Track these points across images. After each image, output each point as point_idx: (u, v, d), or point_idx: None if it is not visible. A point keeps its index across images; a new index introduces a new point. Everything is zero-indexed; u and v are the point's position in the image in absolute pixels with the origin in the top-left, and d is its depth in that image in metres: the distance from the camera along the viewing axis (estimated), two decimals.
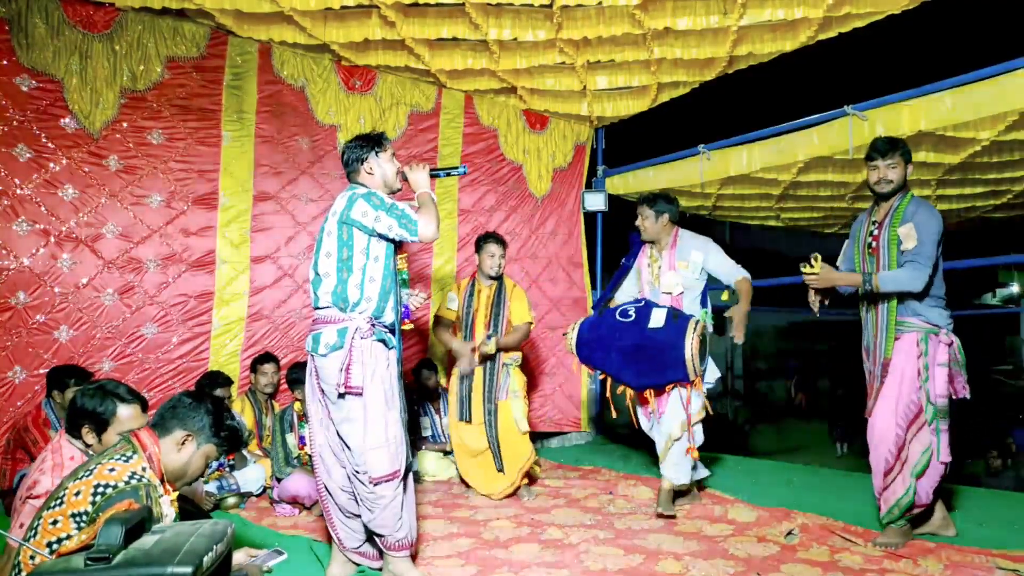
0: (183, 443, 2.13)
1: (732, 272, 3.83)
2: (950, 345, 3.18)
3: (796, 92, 6.59)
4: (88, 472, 1.92)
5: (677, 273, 3.81)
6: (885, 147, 3.16)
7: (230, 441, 2.26)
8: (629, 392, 3.92)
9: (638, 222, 3.92)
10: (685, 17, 4.33)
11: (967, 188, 5.55)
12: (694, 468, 3.85)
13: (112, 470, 1.93)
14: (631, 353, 3.63)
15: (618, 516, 3.75)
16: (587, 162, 6.43)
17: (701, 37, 4.57)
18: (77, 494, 1.86)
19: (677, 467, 3.72)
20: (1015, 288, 15.28)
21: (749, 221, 7.17)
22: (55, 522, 1.83)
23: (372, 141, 2.88)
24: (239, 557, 2.35)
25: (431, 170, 2.93)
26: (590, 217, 6.36)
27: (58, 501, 1.88)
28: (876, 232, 3.22)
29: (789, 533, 3.36)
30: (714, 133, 5.55)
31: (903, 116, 4.32)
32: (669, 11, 4.29)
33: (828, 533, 3.35)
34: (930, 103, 4.21)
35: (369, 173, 2.86)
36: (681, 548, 3.21)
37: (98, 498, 1.84)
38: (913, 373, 3.14)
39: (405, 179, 2.90)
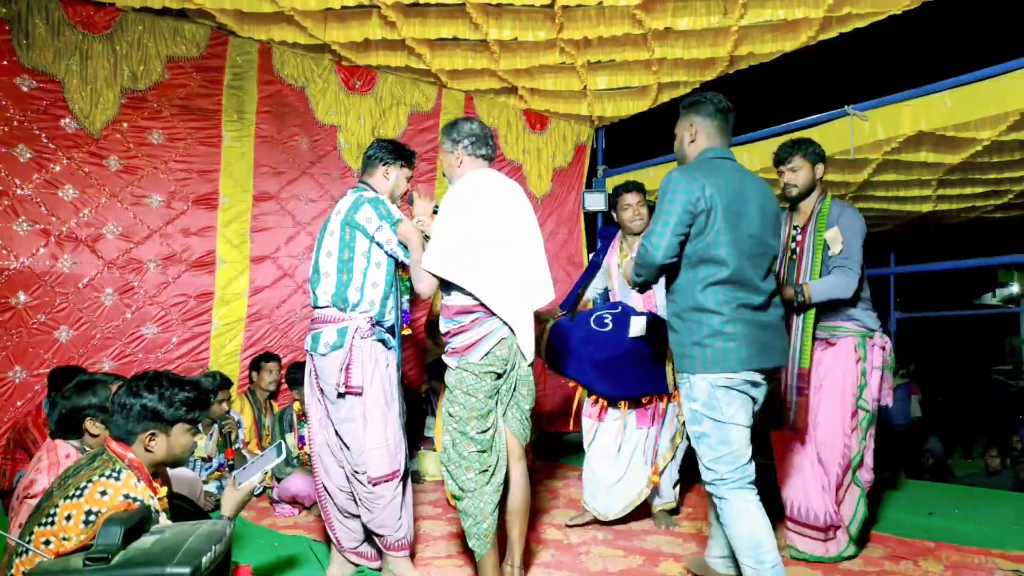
0: (151, 440, 2.02)
1: None
2: (883, 348, 3.11)
3: (796, 92, 6.57)
4: (79, 492, 1.85)
5: None
6: (783, 153, 3.15)
7: (192, 406, 2.08)
8: (597, 403, 3.65)
9: (627, 213, 3.69)
10: (686, 17, 4.33)
11: (967, 188, 5.54)
12: (657, 494, 3.62)
13: (104, 493, 1.85)
14: (606, 367, 3.43)
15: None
16: (587, 162, 6.43)
17: (702, 37, 4.57)
18: (68, 518, 1.81)
19: (670, 486, 3.61)
20: (1015, 288, 15.27)
21: None
22: (47, 542, 1.81)
23: (404, 155, 2.95)
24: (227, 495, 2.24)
25: (435, 207, 2.91)
26: (590, 217, 6.36)
27: (49, 520, 1.83)
28: (799, 237, 3.13)
29: None
30: None
31: (903, 116, 4.32)
32: (670, 11, 4.29)
33: None
34: (930, 103, 4.21)
35: (384, 177, 2.90)
36: (681, 550, 3.21)
37: (89, 527, 1.80)
38: (853, 379, 3.04)
39: (410, 203, 2.90)
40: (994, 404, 10.33)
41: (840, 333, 3.07)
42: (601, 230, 4.15)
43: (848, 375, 3.04)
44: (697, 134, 2.57)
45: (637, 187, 3.74)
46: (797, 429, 3.04)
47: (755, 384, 2.39)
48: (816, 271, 3.02)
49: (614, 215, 3.86)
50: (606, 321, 3.46)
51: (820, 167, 3.13)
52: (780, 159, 3.16)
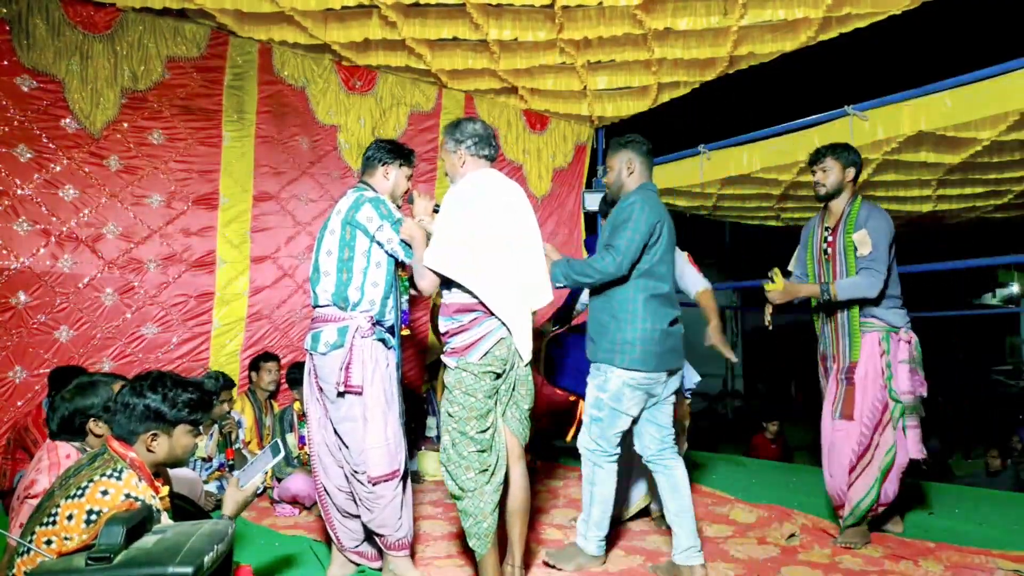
0: (152, 441, 2.02)
1: (695, 281, 3.63)
2: (909, 342, 3.23)
3: (796, 92, 6.59)
4: (80, 491, 1.85)
5: None
6: (815, 154, 3.33)
7: (195, 407, 2.08)
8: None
9: None
10: (686, 17, 4.33)
11: (967, 188, 5.54)
12: None
13: (105, 493, 1.86)
14: None
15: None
16: (587, 162, 6.43)
17: (702, 37, 4.57)
18: (70, 518, 1.81)
19: None
20: (1015, 288, 15.27)
21: (749, 221, 7.17)
22: (49, 542, 1.81)
23: (403, 154, 2.95)
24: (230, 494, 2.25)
25: (435, 206, 2.91)
26: (590, 217, 6.36)
27: (51, 519, 1.83)
28: (831, 239, 3.27)
29: (791, 536, 3.35)
30: (714, 133, 5.56)
31: (903, 116, 4.33)
32: (670, 11, 4.29)
33: (829, 535, 3.35)
34: (930, 103, 4.21)
35: (384, 177, 2.90)
36: None
37: (91, 526, 1.80)
38: (876, 372, 3.18)
39: (410, 202, 2.91)
40: (994, 404, 10.34)
41: (866, 328, 3.22)
42: (588, 239, 4.14)
43: (871, 368, 3.18)
44: (635, 168, 3.00)
45: None
46: (845, 417, 3.20)
47: (662, 382, 2.88)
48: (851, 271, 3.17)
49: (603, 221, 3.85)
50: None
51: (851, 171, 3.27)
52: (812, 160, 3.34)
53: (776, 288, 3.18)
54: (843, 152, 3.27)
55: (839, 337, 3.26)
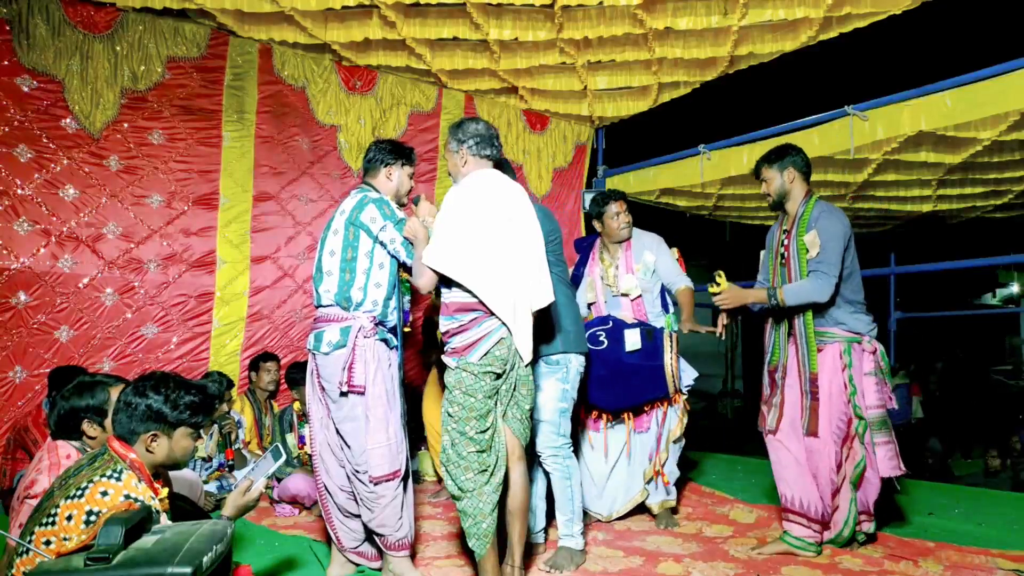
0: (152, 441, 2.02)
1: (676, 279, 3.67)
2: (874, 353, 3.08)
3: (796, 92, 6.58)
4: (80, 492, 1.85)
5: (634, 276, 3.65)
6: (754, 171, 3.30)
7: (196, 410, 2.08)
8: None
9: (617, 221, 3.69)
10: (686, 17, 4.33)
11: (967, 188, 5.54)
12: (666, 493, 3.67)
13: (104, 493, 1.86)
14: (607, 380, 3.45)
15: (618, 518, 3.74)
16: (587, 162, 6.43)
17: (702, 37, 4.57)
18: (69, 518, 1.81)
19: (672, 483, 3.66)
20: (1015, 288, 15.27)
21: (749, 221, 7.17)
22: (48, 542, 1.81)
23: (404, 153, 2.96)
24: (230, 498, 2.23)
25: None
26: (590, 217, 6.35)
27: (50, 520, 1.83)
28: (786, 242, 3.14)
29: None
30: (714, 133, 5.55)
31: (903, 116, 4.32)
32: (670, 11, 4.29)
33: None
34: (930, 103, 4.21)
35: (388, 178, 2.91)
36: (681, 550, 3.21)
37: (90, 527, 1.79)
38: (840, 387, 3.03)
39: (415, 203, 2.91)
40: (994, 404, 10.32)
41: (827, 339, 3.06)
42: (577, 241, 4.15)
43: (834, 382, 3.03)
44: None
45: (622, 195, 3.78)
46: (811, 434, 3.05)
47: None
48: (804, 274, 3.02)
49: (597, 225, 3.82)
50: (600, 339, 3.45)
51: (790, 171, 3.14)
52: (755, 176, 3.29)
53: (721, 290, 3.07)
54: (776, 159, 3.16)
55: (799, 346, 3.09)
